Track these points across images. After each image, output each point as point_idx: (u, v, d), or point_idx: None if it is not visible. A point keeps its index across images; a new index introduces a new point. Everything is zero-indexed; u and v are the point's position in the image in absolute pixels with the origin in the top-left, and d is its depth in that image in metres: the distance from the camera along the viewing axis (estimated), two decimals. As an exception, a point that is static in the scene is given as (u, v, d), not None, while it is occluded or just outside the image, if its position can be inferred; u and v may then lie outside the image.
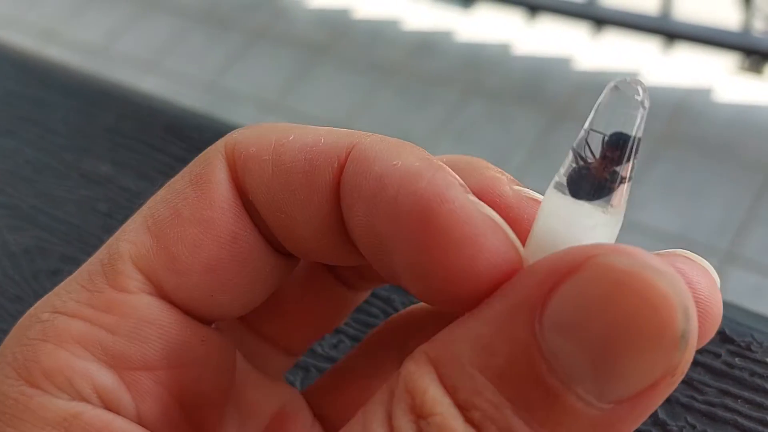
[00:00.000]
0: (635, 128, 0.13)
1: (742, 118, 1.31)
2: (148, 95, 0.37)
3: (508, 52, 1.52)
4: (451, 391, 0.11)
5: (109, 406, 0.14)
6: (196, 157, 0.16)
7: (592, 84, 1.40)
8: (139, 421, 0.15)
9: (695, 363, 0.22)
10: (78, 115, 0.36)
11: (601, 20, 1.46)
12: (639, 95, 0.13)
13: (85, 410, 0.14)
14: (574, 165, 0.13)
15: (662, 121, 1.32)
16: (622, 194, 0.13)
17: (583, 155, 0.13)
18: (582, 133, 0.13)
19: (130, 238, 0.15)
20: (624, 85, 0.13)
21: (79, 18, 1.86)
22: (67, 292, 0.15)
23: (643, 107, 0.13)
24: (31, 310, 0.15)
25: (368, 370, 0.19)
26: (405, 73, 1.53)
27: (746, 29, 1.36)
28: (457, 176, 0.13)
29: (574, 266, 0.11)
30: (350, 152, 0.14)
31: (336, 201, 0.14)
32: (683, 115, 1.33)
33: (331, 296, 0.19)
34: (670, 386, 0.11)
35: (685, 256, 0.14)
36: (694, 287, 0.13)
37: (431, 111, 1.43)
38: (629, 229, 1.15)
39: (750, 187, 1.20)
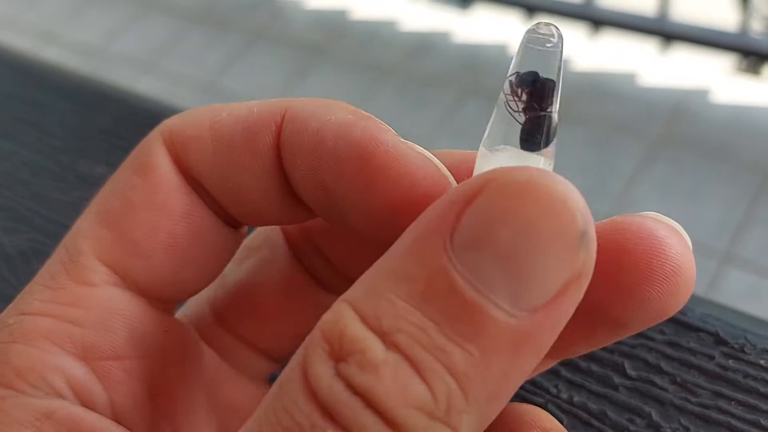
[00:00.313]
0: (552, 68, 0.14)
1: (740, 119, 1.31)
2: (145, 97, 0.37)
3: (505, 53, 1.52)
4: (373, 323, 0.11)
5: (82, 398, 0.15)
6: (132, 151, 0.16)
7: (590, 85, 1.40)
8: (113, 412, 0.15)
9: (689, 365, 0.22)
10: (74, 117, 0.36)
11: (598, 21, 1.47)
12: (554, 36, 0.14)
13: (58, 408, 0.14)
14: (495, 114, 0.14)
15: (660, 122, 1.32)
16: (544, 135, 0.14)
17: (506, 98, 0.14)
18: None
19: (87, 233, 0.16)
20: (540, 27, 0.14)
21: (78, 19, 1.86)
22: (30, 294, 0.15)
23: (558, 47, 0.14)
24: None
25: None
26: (403, 74, 1.53)
27: (744, 30, 1.36)
28: (387, 125, 0.15)
29: (478, 189, 0.12)
30: (285, 115, 0.15)
31: (278, 162, 0.15)
32: (681, 116, 1.33)
33: (312, 302, 0.19)
34: (579, 291, 0.12)
35: (655, 218, 0.14)
36: (666, 243, 0.13)
37: (429, 111, 1.43)
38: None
39: (748, 187, 1.20)
